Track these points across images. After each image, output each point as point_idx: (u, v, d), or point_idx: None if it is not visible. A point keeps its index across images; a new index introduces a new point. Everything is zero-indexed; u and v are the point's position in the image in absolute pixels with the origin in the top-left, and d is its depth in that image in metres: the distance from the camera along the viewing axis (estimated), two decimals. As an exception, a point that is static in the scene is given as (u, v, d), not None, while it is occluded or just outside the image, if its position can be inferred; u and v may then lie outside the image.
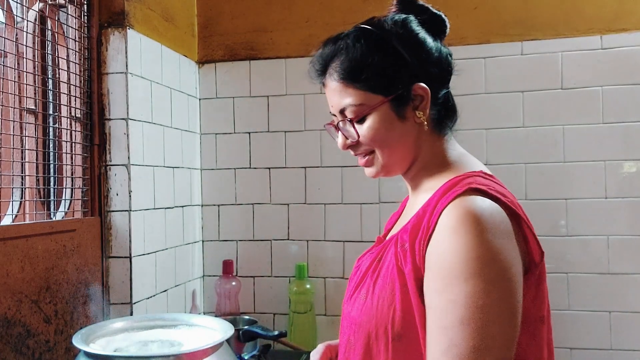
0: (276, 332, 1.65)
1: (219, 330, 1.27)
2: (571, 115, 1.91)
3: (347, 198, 2.06)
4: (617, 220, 1.87)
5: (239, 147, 2.15)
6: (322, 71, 1.00)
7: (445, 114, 0.98)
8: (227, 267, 2.04)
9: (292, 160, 2.11)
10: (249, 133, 2.15)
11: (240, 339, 1.65)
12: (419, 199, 0.97)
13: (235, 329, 1.31)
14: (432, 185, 0.94)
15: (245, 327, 1.70)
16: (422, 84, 0.93)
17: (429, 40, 0.96)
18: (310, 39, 2.10)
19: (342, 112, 0.97)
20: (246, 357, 1.68)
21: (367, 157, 0.98)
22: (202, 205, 2.18)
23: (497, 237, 0.80)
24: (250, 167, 2.14)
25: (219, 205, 2.17)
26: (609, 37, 1.89)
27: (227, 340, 1.21)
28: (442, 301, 0.80)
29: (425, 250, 0.84)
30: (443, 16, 0.99)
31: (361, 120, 0.95)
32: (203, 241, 2.17)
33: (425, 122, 0.94)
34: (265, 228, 2.13)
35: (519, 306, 0.80)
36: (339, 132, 0.99)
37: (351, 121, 0.95)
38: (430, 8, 0.99)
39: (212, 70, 2.18)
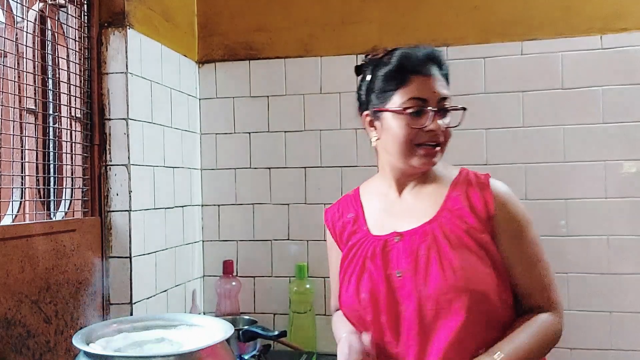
0: (276, 332, 1.65)
1: (219, 330, 1.27)
2: (571, 115, 1.91)
3: (347, 198, 2.06)
4: (617, 220, 1.87)
5: (239, 147, 2.15)
6: (440, 64, 1.21)
7: None
8: (227, 267, 2.04)
9: (292, 160, 2.11)
10: (249, 133, 2.15)
11: (240, 339, 1.64)
12: (428, 188, 1.23)
13: (235, 329, 1.31)
14: (440, 177, 1.24)
15: (245, 327, 1.70)
16: None
17: None
18: (310, 39, 2.10)
19: (443, 100, 1.17)
20: (246, 357, 1.68)
21: (437, 148, 1.18)
22: (202, 205, 2.18)
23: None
24: (250, 167, 2.14)
25: (219, 205, 2.16)
26: (609, 37, 1.89)
27: (227, 340, 1.21)
28: (527, 244, 1.16)
29: (492, 215, 1.14)
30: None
31: (447, 114, 1.19)
32: (203, 241, 2.17)
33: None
34: (265, 228, 2.13)
35: None
36: (442, 116, 1.17)
37: (447, 110, 1.18)
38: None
39: (212, 70, 2.18)
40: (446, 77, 1.21)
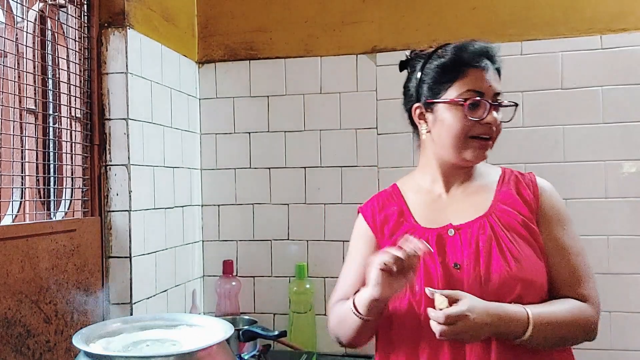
0: (276, 332, 1.65)
1: (219, 330, 1.27)
2: (571, 115, 1.91)
3: (346, 198, 2.06)
4: (617, 220, 1.87)
5: (239, 147, 2.15)
6: (492, 59, 1.22)
7: None
8: (227, 267, 2.04)
9: (292, 160, 2.11)
10: (249, 133, 2.15)
11: (240, 339, 1.64)
12: (475, 183, 1.27)
13: (235, 329, 1.31)
14: (486, 173, 1.29)
15: (245, 327, 1.70)
16: None
17: None
18: (310, 39, 2.10)
19: (496, 95, 1.20)
20: (246, 357, 1.68)
21: (488, 142, 1.21)
22: (202, 205, 2.18)
23: None
24: (250, 167, 2.14)
25: (219, 205, 2.16)
26: (609, 37, 1.89)
27: (227, 340, 1.21)
28: (566, 236, 1.19)
29: (539, 206, 1.20)
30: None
31: (500, 108, 1.21)
32: (203, 241, 2.17)
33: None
34: (265, 228, 2.13)
35: None
36: (496, 110, 1.20)
37: (501, 105, 1.21)
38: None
39: (212, 70, 2.18)
40: (499, 72, 1.23)
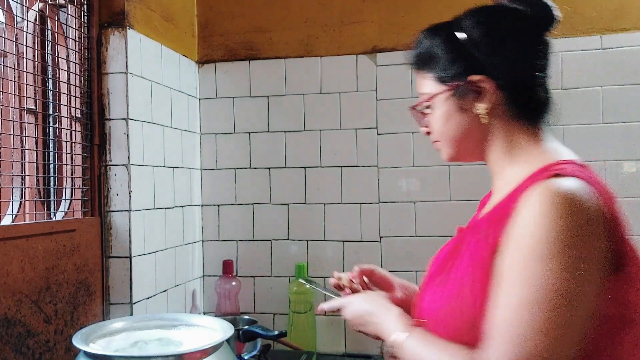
0: (276, 332, 1.65)
1: (219, 330, 1.27)
2: (571, 115, 1.91)
3: (346, 198, 2.06)
4: (617, 220, 1.87)
5: (239, 147, 2.15)
6: (413, 59, 1.02)
7: (526, 104, 0.94)
8: (227, 267, 2.04)
9: (292, 160, 2.11)
10: (249, 133, 2.15)
11: (240, 339, 1.64)
12: (503, 188, 0.93)
13: (235, 329, 1.31)
14: (516, 175, 0.90)
15: (245, 327, 1.70)
16: (480, 76, 0.91)
17: (513, 32, 0.93)
18: (309, 39, 2.10)
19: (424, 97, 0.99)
20: (246, 357, 1.68)
21: (436, 143, 1.00)
22: (202, 205, 2.18)
23: (587, 224, 0.77)
24: (250, 167, 2.14)
25: (219, 205, 2.16)
26: (609, 37, 1.89)
27: (227, 340, 1.21)
28: (515, 278, 0.78)
29: (505, 233, 0.82)
30: (548, 5, 0.99)
31: (429, 109, 0.98)
32: (203, 241, 2.17)
33: (485, 116, 0.92)
34: (265, 228, 2.13)
35: (586, 307, 0.77)
36: (423, 115, 1.01)
37: (416, 108, 1.00)
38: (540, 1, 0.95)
39: (212, 70, 2.18)
40: (416, 60, 1.03)
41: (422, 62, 0.98)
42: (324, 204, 2.08)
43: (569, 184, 0.81)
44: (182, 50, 2.05)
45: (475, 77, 0.91)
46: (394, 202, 2.01)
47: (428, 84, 0.97)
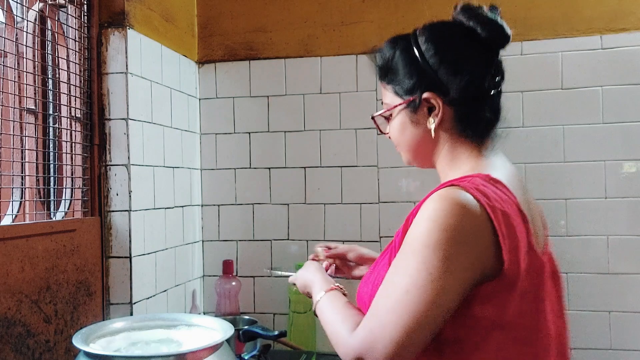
0: (276, 332, 1.65)
1: (219, 330, 1.27)
2: (571, 115, 1.91)
3: (346, 198, 2.06)
4: (617, 220, 1.87)
5: (239, 147, 2.15)
6: (377, 68, 1.09)
7: (469, 122, 1.00)
8: (227, 267, 2.04)
9: (292, 160, 2.11)
10: (249, 133, 2.15)
11: (240, 339, 1.64)
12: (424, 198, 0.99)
13: (235, 329, 1.31)
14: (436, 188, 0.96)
15: (245, 327, 1.70)
16: (432, 93, 0.98)
17: (466, 52, 0.99)
18: (309, 39, 2.10)
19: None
20: (246, 357, 1.68)
21: (396, 147, 1.09)
22: (202, 205, 2.18)
23: (455, 230, 0.85)
24: (250, 167, 2.14)
25: (219, 205, 2.16)
26: (609, 37, 1.89)
27: (227, 340, 1.21)
28: (393, 266, 0.91)
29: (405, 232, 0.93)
30: (498, 23, 1.02)
31: (389, 118, 1.06)
32: (203, 241, 2.17)
33: (434, 130, 0.99)
34: (265, 228, 2.13)
35: (439, 301, 0.85)
36: (375, 124, 1.11)
37: (378, 116, 1.08)
38: (487, 15, 1.01)
39: (212, 70, 2.18)
40: (379, 71, 1.10)
41: (383, 74, 1.05)
42: (324, 204, 2.08)
43: (456, 195, 0.88)
44: (182, 50, 2.05)
45: (426, 95, 0.98)
46: (394, 202, 2.01)
47: (388, 95, 1.05)
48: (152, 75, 1.80)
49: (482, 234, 0.86)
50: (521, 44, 1.94)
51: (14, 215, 1.44)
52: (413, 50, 1.00)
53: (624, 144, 1.87)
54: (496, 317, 0.88)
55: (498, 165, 1.00)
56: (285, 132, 2.11)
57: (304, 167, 2.10)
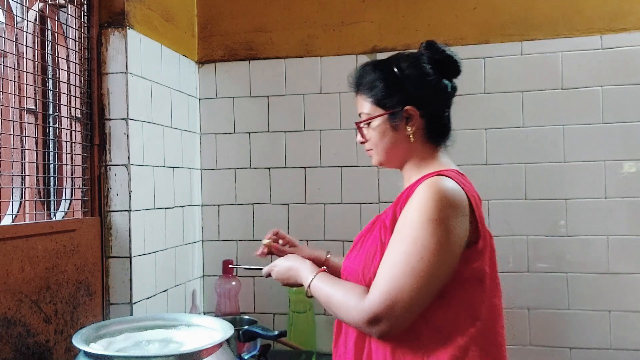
0: (276, 332, 1.65)
1: (219, 330, 1.27)
2: (571, 115, 1.91)
3: (346, 198, 2.06)
4: (617, 220, 1.87)
5: (239, 147, 2.15)
6: (355, 85, 1.30)
7: (437, 131, 1.25)
8: (227, 267, 2.04)
9: (292, 160, 2.11)
10: (249, 133, 2.15)
11: (240, 339, 1.64)
12: (407, 186, 1.24)
13: (235, 329, 1.31)
14: (417, 178, 1.21)
15: (245, 327, 1.70)
16: (413, 107, 1.21)
17: (432, 76, 1.23)
18: (309, 39, 2.10)
19: (360, 116, 1.28)
20: (246, 357, 1.68)
21: (369, 151, 1.29)
22: (202, 205, 2.18)
23: (451, 207, 1.10)
24: (250, 167, 2.14)
25: (219, 205, 2.17)
26: (609, 37, 1.89)
27: (227, 340, 1.22)
28: (397, 239, 1.12)
29: (401, 210, 1.15)
30: (455, 58, 1.25)
31: (368, 125, 1.26)
32: (203, 241, 2.17)
33: (412, 136, 1.22)
34: (265, 228, 2.10)
35: (444, 264, 1.09)
36: (359, 130, 1.30)
37: (360, 124, 1.28)
38: (446, 51, 1.25)
39: (212, 70, 2.18)
40: (363, 87, 1.27)
41: (366, 89, 1.26)
42: (324, 204, 2.08)
43: (444, 181, 1.13)
44: (182, 50, 2.05)
45: (408, 107, 1.21)
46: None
47: (367, 106, 1.25)
48: (152, 75, 1.80)
49: (465, 209, 1.12)
50: (521, 44, 1.94)
51: (14, 215, 1.44)
52: (396, 72, 1.23)
53: (624, 144, 1.87)
54: (478, 273, 1.13)
55: (452, 164, 1.27)
56: (285, 132, 2.11)
57: (304, 167, 2.10)
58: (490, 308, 1.16)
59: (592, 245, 1.89)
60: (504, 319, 1.20)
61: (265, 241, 1.50)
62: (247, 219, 2.14)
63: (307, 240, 2.09)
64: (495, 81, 1.96)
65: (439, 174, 1.16)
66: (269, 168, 2.13)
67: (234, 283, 2.03)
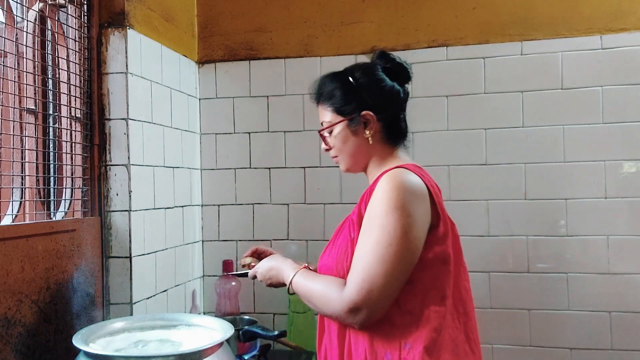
0: (276, 332, 1.65)
1: (219, 330, 1.27)
2: (571, 115, 1.91)
3: (346, 198, 2.06)
4: (617, 220, 1.87)
5: (239, 147, 2.15)
6: (316, 96, 1.37)
7: (393, 133, 1.32)
8: (227, 267, 2.03)
9: (291, 160, 2.11)
10: (249, 133, 2.15)
11: (240, 339, 1.65)
12: (369, 186, 1.30)
13: (235, 329, 1.32)
14: (377, 176, 1.27)
15: (245, 327, 1.70)
16: (370, 112, 1.28)
17: (386, 82, 1.31)
18: (309, 39, 2.10)
19: (322, 124, 1.36)
20: (246, 357, 1.68)
21: (335, 158, 1.37)
22: (202, 205, 2.18)
23: (411, 195, 1.17)
24: (250, 167, 2.14)
25: (219, 205, 2.17)
26: (609, 37, 1.89)
27: (227, 340, 1.22)
28: (366, 229, 1.17)
29: (366, 204, 1.21)
30: (405, 66, 1.34)
31: (330, 133, 1.34)
32: (203, 241, 2.17)
33: (371, 138, 1.29)
34: (265, 228, 2.13)
35: (412, 248, 1.15)
36: (322, 137, 1.38)
37: (323, 132, 1.35)
38: (396, 59, 1.33)
39: (212, 70, 2.18)
40: (323, 97, 1.35)
41: (326, 98, 1.34)
42: (324, 204, 2.08)
43: (403, 172, 1.21)
44: (182, 50, 2.05)
45: (365, 112, 1.28)
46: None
47: (328, 114, 1.33)
48: (152, 75, 1.80)
49: (425, 196, 1.18)
50: (521, 44, 1.94)
51: (14, 215, 1.44)
52: (351, 81, 1.31)
53: (624, 144, 1.87)
54: (441, 256, 1.19)
55: (410, 160, 1.34)
56: (285, 132, 2.12)
57: (304, 167, 2.10)
58: (458, 288, 1.23)
59: (592, 245, 1.89)
60: (473, 302, 1.28)
61: (247, 260, 1.51)
62: (247, 219, 2.14)
63: (307, 240, 2.09)
64: (495, 81, 1.96)
65: (400, 166, 1.24)
66: (269, 168, 2.13)
67: (234, 283, 2.03)
